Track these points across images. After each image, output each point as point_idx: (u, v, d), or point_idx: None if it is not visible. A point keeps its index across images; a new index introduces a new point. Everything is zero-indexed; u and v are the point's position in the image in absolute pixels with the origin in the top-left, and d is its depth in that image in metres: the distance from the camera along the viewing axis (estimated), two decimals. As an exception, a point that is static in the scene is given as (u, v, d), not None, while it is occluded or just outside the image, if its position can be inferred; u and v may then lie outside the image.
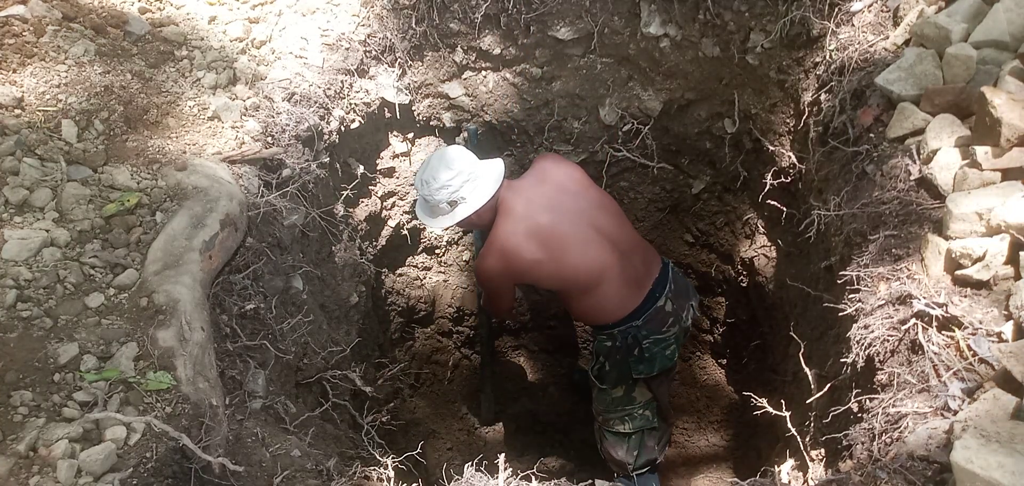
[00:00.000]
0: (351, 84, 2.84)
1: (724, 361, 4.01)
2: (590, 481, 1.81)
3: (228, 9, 2.78)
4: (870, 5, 2.45)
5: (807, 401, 2.13)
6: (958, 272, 1.66)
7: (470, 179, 2.63)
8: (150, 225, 1.97)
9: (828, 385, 2.00)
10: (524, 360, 4.27)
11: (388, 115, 3.08)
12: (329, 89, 2.71)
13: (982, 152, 1.77)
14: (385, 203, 3.35)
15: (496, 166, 2.74)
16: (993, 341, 1.52)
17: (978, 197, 1.72)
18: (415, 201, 2.88)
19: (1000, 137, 1.73)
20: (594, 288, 2.74)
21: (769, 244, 3.30)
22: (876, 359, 1.74)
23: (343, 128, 2.81)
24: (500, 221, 2.69)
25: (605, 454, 3.13)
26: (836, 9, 2.51)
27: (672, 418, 3.17)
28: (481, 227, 2.87)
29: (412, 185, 3.41)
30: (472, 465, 1.79)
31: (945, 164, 1.87)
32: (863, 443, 1.64)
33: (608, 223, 2.77)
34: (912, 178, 1.96)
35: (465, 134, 3.26)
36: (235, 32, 2.69)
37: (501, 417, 3.97)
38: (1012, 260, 1.61)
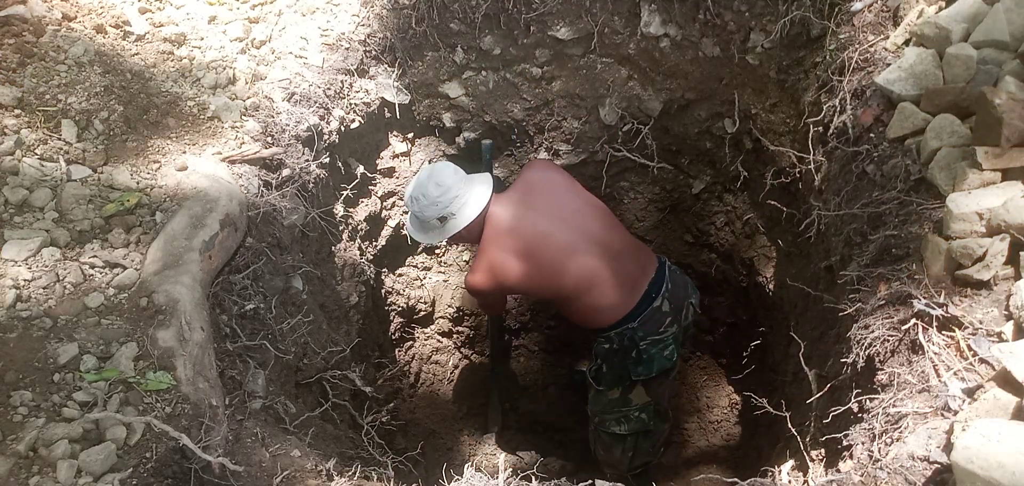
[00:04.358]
0: (351, 84, 2.83)
1: (724, 361, 4.01)
2: (590, 481, 1.81)
3: (228, 9, 2.78)
4: (870, 5, 2.45)
5: (807, 401, 2.13)
6: (958, 272, 1.66)
7: (458, 195, 2.65)
8: (150, 225, 1.97)
9: (828, 385, 2.00)
10: (524, 360, 4.27)
11: (388, 115, 3.08)
12: (329, 89, 2.71)
13: (982, 152, 1.77)
14: (385, 203, 3.35)
15: (484, 181, 2.77)
16: (993, 341, 1.52)
17: (978, 197, 1.71)
18: (406, 215, 2.95)
19: (1000, 137, 1.73)
20: (585, 293, 2.73)
21: (769, 244, 3.29)
22: (876, 359, 1.74)
23: (343, 128, 2.81)
24: (487, 238, 2.72)
25: (599, 456, 3.13)
26: (836, 9, 2.51)
27: (669, 419, 3.16)
28: (471, 241, 2.90)
29: (412, 185, 3.41)
30: (472, 465, 1.79)
31: (945, 164, 1.87)
32: (863, 443, 1.64)
33: (596, 227, 2.76)
34: (912, 178, 1.95)
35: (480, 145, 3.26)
36: (235, 32, 2.69)
37: (507, 426, 3.95)
38: (1012, 260, 1.61)
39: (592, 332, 2.94)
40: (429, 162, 3.39)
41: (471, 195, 2.69)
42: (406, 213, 3.44)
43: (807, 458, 1.96)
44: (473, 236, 2.79)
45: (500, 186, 3.13)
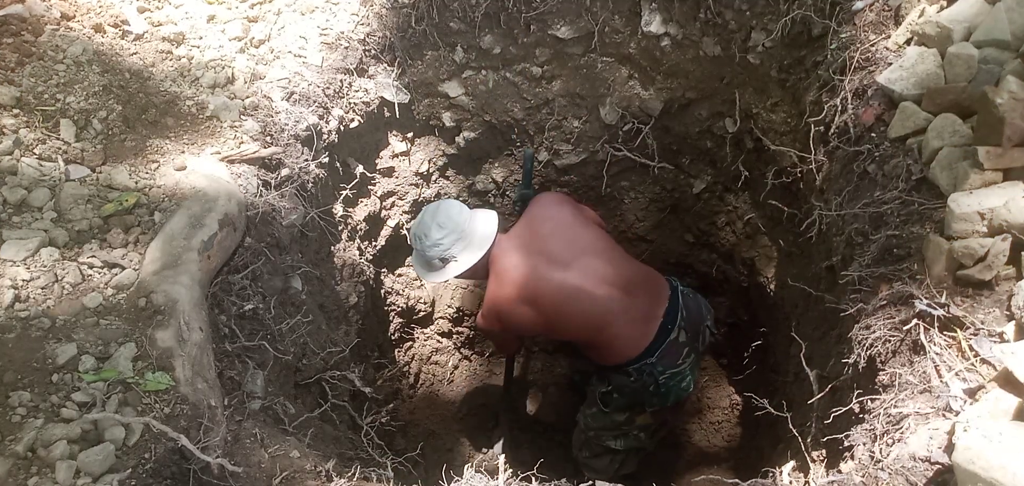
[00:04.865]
0: (350, 83, 2.83)
1: (725, 361, 4.00)
2: (590, 481, 1.80)
3: (227, 8, 2.78)
4: (872, 4, 2.44)
5: (808, 402, 2.12)
6: (960, 272, 1.66)
7: (461, 238, 2.63)
8: (148, 225, 1.96)
9: (829, 386, 1.99)
10: (523, 360, 4.26)
11: (387, 114, 3.07)
12: (328, 88, 2.71)
13: (984, 152, 1.76)
14: (384, 203, 3.35)
15: (489, 222, 2.73)
16: (995, 341, 1.52)
17: (980, 197, 1.71)
18: (411, 251, 2.94)
19: (1002, 137, 1.73)
20: (598, 334, 2.67)
21: (770, 244, 3.29)
22: (877, 360, 1.73)
23: (342, 127, 2.81)
24: (492, 282, 2.69)
25: (583, 457, 3.08)
26: (837, 8, 2.51)
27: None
28: (477, 279, 2.86)
29: (412, 185, 3.41)
30: (472, 465, 1.79)
31: (947, 164, 1.87)
32: (864, 444, 1.63)
33: (604, 265, 2.67)
34: (913, 178, 1.95)
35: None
36: (234, 31, 2.68)
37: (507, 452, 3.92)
38: (1014, 260, 1.60)
39: (611, 368, 2.84)
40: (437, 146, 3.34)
41: (475, 236, 2.66)
42: (407, 211, 3.45)
43: (808, 459, 1.96)
44: (478, 275, 2.77)
45: (525, 197, 3.05)
